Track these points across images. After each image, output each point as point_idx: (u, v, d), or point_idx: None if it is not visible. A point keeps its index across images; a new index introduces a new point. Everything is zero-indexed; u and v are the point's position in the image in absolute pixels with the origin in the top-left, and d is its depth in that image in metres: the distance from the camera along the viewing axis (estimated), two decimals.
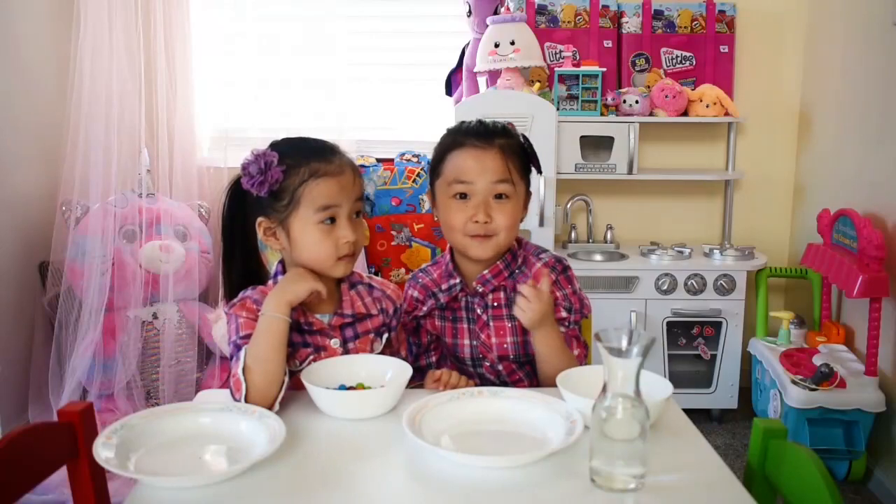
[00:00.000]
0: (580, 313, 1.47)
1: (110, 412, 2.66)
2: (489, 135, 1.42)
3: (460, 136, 1.43)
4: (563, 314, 1.45)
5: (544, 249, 1.51)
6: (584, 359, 1.46)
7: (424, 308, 1.51)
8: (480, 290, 1.46)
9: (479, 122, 1.45)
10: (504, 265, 1.47)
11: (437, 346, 1.55)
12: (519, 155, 1.44)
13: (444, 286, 1.49)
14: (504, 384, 1.48)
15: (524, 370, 1.48)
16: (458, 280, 1.48)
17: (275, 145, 1.35)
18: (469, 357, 1.50)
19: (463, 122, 1.47)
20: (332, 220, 1.31)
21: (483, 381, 1.49)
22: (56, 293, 2.77)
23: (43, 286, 2.85)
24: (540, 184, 2.74)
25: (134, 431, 1.10)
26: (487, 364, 1.49)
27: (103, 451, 1.02)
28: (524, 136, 1.47)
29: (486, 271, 1.46)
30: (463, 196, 1.41)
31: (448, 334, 1.51)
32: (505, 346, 1.46)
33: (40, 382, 2.76)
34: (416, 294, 1.52)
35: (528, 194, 1.48)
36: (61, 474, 1.17)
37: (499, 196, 1.41)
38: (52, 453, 1.12)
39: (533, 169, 1.48)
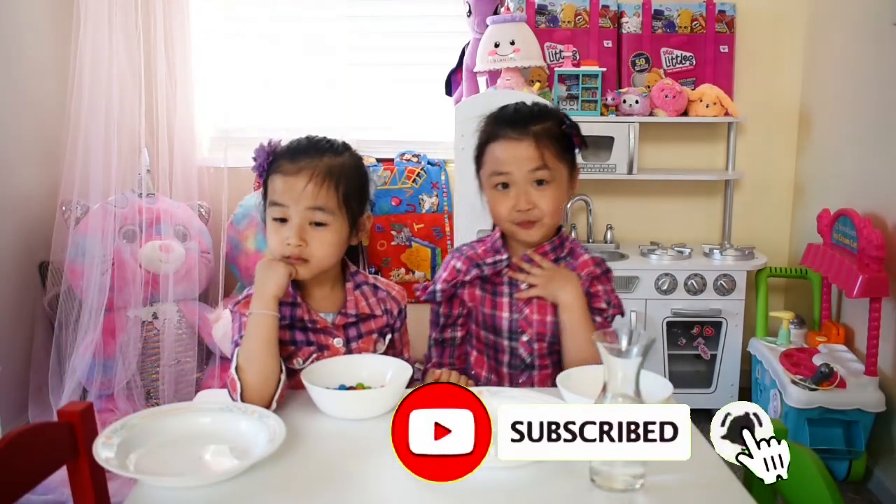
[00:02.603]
0: (618, 308, 1.53)
1: (110, 412, 2.66)
2: (523, 122, 1.44)
3: (496, 127, 1.46)
4: (603, 305, 1.50)
5: (587, 249, 1.56)
6: None
7: (467, 277, 1.51)
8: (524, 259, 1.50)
9: (516, 108, 1.48)
10: (551, 248, 1.50)
11: (464, 322, 1.56)
12: (555, 138, 1.45)
13: (489, 260, 1.51)
14: (531, 365, 1.50)
15: (552, 358, 1.50)
16: (504, 256, 1.50)
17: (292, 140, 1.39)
18: (507, 329, 1.51)
19: (504, 108, 1.50)
20: (283, 220, 1.32)
21: (513, 356, 1.51)
22: (56, 293, 2.77)
23: (43, 286, 2.85)
24: None
25: (134, 431, 1.10)
26: (525, 339, 1.50)
27: (103, 451, 1.02)
28: (565, 116, 1.48)
29: (530, 251, 1.49)
30: (504, 186, 1.45)
31: (487, 305, 1.52)
32: (545, 324, 1.48)
33: (40, 382, 2.76)
34: (458, 265, 1.52)
35: (572, 172, 1.49)
36: (61, 474, 1.17)
37: (539, 182, 1.44)
38: (52, 453, 1.12)
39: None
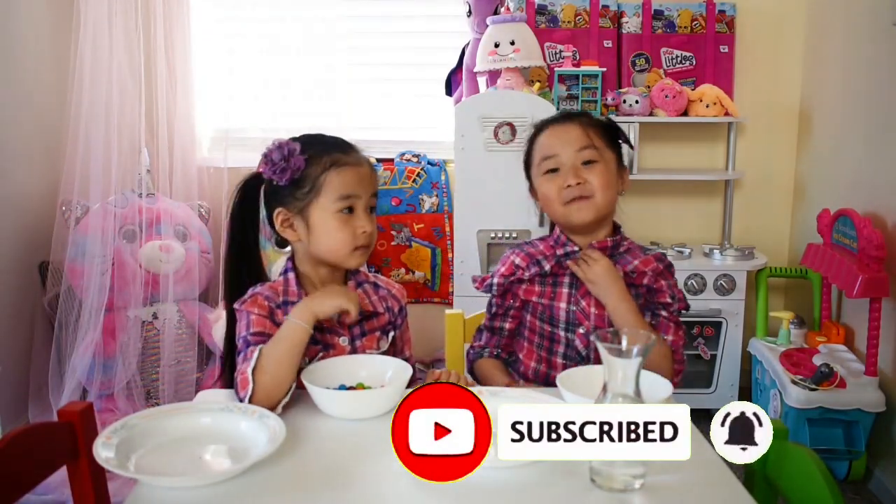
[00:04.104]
0: (683, 302, 1.54)
1: (110, 412, 2.66)
2: (568, 115, 1.52)
3: (542, 123, 1.53)
4: (668, 300, 1.51)
5: (649, 247, 1.59)
6: (680, 345, 1.51)
7: (527, 274, 1.53)
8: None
9: (559, 110, 1.54)
10: (612, 244, 1.51)
11: (516, 315, 1.57)
12: (601, 127, 1.51)
13: (559, 252, 1.52)
14: (587, 358, 1.51)
15: None
16: (576, 248, 1.52)
17: (295, 139, 1.37)
18: (564, 320, 1.52)
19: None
20: (350, 210, 1.35)
21: (569, 347, 1.52)
22: (56, 293, 2.77)
23: (43, 286, 2.85)
24: None
25: (134, 431, 1.10)
26: (581, 331, 1.51)
27: (103, 451, 1.02)
28: (606, 117, 1.56)
29: (594, 242, 1.51)
30: (554, 171, 1.48)
31: (546, 297, 1.53)
32: (604, 318, 1.50)
33: (40, 382, 2.76)
34: (517, 260, 1.54)
35: (620, 165, 1.53)
36: (61, 474, 1.17)
37: (587, 163, 1.47)
38: (52, 453, 1.12)
39: (623, 145, 1.54)
